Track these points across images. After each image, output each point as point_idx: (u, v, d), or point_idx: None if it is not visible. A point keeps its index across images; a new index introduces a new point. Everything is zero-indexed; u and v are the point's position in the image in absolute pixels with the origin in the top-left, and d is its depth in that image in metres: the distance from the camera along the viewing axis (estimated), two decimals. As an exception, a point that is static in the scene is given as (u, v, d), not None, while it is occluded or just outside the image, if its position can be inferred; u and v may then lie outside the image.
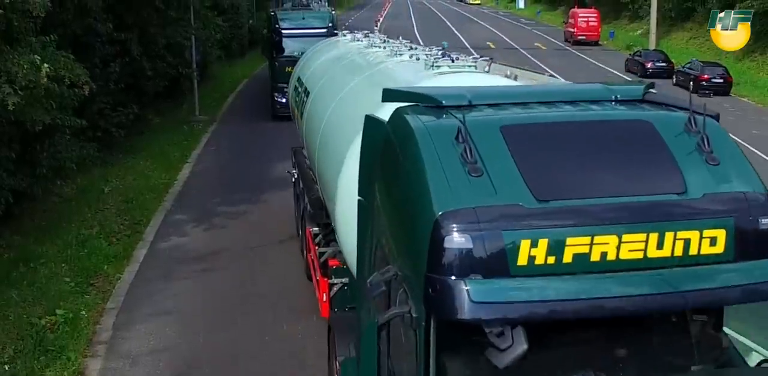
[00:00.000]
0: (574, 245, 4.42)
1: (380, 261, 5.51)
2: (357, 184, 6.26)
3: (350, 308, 8.30)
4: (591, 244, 4.43)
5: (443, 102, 5.42)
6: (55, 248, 14.21)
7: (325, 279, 9.48)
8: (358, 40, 13.71)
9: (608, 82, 6.06)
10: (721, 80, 32.36)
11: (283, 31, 25.60)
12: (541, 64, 41.74)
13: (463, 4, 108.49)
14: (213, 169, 20.44)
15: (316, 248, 10.37)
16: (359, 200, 6.18)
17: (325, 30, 25.39)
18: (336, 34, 25.49)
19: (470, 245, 4.36)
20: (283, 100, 23.76)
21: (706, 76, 32.33)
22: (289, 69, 24.23)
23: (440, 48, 10.67)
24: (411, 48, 11.12)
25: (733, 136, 22.60)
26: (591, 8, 55.54)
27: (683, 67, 34.97)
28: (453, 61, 8.40)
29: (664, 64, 36.98)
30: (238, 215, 16.23)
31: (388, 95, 5.99)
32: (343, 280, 9.04)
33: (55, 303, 11.85)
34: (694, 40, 46.50)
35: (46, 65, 11.72)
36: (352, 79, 9.94)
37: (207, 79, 32.54)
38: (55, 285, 12.59)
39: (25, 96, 11.91)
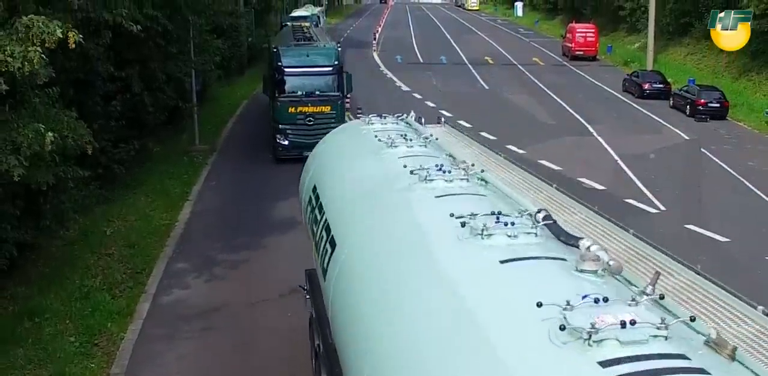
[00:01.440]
0: None
1: None
2: None
3: None
4: None
5: None
6: (59, 301, 14.47)
7: None
8: (394, 145, 9.40)
9: None
10: (718, 104, 32.62)
11: (286, 70, 24.05)
12: (538, 82, 41.98)
13: (461, 10, 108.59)
14: (213, 209, 20.60)
15: None
16: None
17: (330, 68, 24.30)
18: (342, 72, 24.64)
19: None
20: (285, 143, 23.69)
21: (702, 101, 32.57)
22: (293, 109, 24.15)
23: (542, 220, 6.35)
24: (492, 216, 6.35)
25: (729, 169, 22.53)
26: (589, 21, 55.69)
27: (680, 89, 35.20)
28: (597, 301, 4.73)
29: (661, 85, 37.21)
30: (239, 263, 16.44)
31: None
32: None
33: (61, 366, 12.11)
34: (691, 56, 46.72)
35: (50, 134, 11.89)
36: (410, 270, 6.44)
37: (206, 101, 32.56)
38: (60, 345, 12.87)
39: (29, 158, 12.11)
